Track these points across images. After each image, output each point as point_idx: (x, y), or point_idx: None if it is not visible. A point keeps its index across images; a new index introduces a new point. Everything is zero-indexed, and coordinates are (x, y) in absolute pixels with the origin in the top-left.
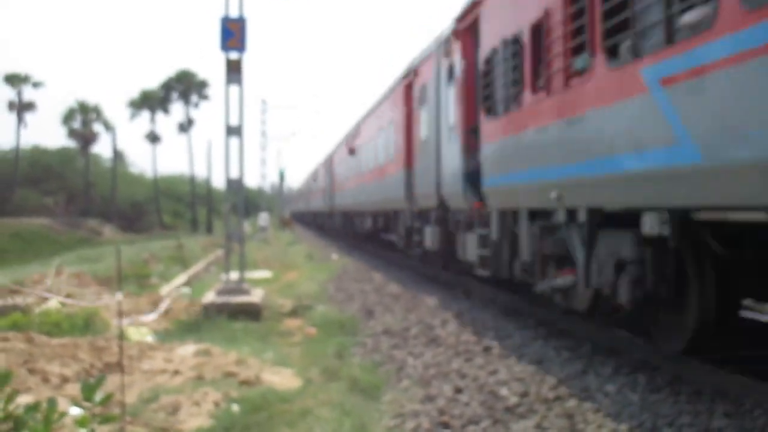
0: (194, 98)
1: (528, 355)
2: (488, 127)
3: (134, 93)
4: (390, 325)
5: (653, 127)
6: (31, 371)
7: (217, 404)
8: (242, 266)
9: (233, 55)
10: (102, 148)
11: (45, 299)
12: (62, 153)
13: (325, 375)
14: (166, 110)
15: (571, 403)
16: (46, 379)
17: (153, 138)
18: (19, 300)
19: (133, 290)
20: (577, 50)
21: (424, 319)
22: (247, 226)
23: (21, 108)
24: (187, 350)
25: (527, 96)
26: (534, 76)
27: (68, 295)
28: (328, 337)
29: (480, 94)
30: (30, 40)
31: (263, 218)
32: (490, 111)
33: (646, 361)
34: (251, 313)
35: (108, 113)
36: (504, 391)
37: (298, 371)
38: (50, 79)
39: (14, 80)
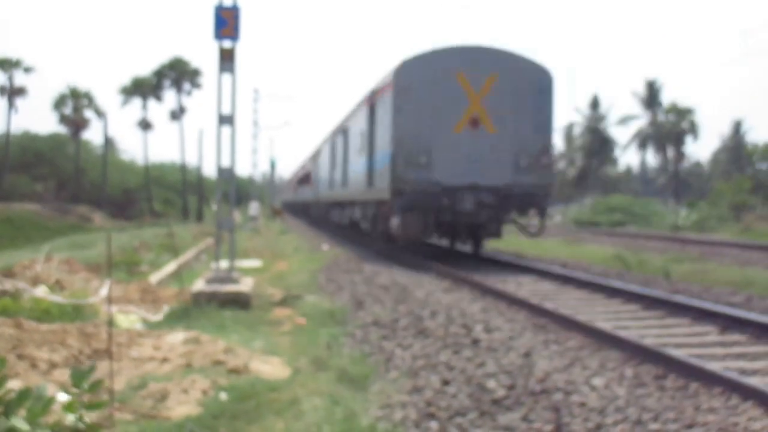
0: (187, 86)
1: (516, 348)
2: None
3: (126, 80)
4: (379, 316)
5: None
6: (20, 357)
7: (205, 392)
8: (232, 255)
9: (226, 44)
10: (93, 135)
11: (35, 285)
12: (53, 139)
13: (314, 365)
14: (158, 98)
15: (558, 396)
16: (34, 365)
17: (144, 125)
18: (8, 285)
19: (123, 277)
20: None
21: (413, 311)
22: (237, 215)
23: (12, 93)
24: (176, 338)
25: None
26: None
27: (57, 282)
28: (317, 327)
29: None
30: (22, 24)
31: (254, 208)
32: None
33: (632, 356)
34: (241, 302)
35: (99, 100)
36: (491, 384)
37: (287, 360)
38: (42, 65)
39: (5, 65)
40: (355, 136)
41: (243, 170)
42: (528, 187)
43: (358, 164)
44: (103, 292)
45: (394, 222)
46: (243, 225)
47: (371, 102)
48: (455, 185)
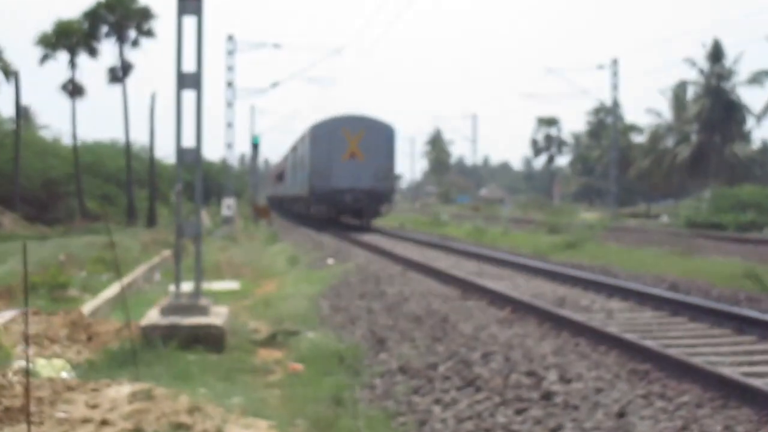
0: (132, 34)
1: (605, 405)
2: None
3: (46, 25)
4: (409, 359)
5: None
6: None
7: None
8: (198, 274)
9: None
10: (1, 104)
11: None
12: None
13: (315, 429)
14: (91, 51)
15: None
16: None
17: (73, 90)
18: None
19: (44, 305)
20: (280, 178)
21: (457, 352)
22: (205, 217)
23: None
24: (119, 392)
25: (284, 178)
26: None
27: None
28: (320, 376)
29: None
30: None
31: (228, 205)
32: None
33: None
34: (211, 340)
35: (9, 54)
36: None
37: (279, 424)
38: None
39: None
40: (298, 157)
41: (214, 152)
42: (382, 189)
43: (299, 175)
44: (15, 325)
45: (312, 208)
46: (214, 230)
47: (303, 140)
48: (342, 188)
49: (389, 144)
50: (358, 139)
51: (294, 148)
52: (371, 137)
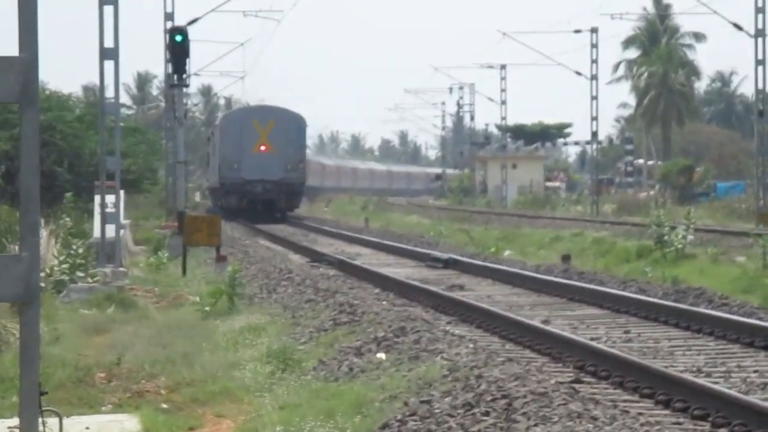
0: None
1: None
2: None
3: None
4: None
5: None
6: None
7: None
8: (30, 396)
9: None
10: None
11: None
12: None
13: None
14: None
15: None
16: None
17: None
18: None
19: None
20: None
21: None
22: (48, 247)
23: None
24: None
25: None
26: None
27: None
28: None
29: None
30: None
31: (109, 213)
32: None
33: None
34: None
35: None
36: None
37: None
38: None
39: None
40: (213, 147)
41: (73, 76)
42: (292, 180)
43: (213, 164)
44: None
45: (224, 199)
46: (70, 280)
47: (215, 130)
48: (252, 179)
49: (300, 134)
50: (268, 130)
51: (211, 135)
52: (282, 128)
